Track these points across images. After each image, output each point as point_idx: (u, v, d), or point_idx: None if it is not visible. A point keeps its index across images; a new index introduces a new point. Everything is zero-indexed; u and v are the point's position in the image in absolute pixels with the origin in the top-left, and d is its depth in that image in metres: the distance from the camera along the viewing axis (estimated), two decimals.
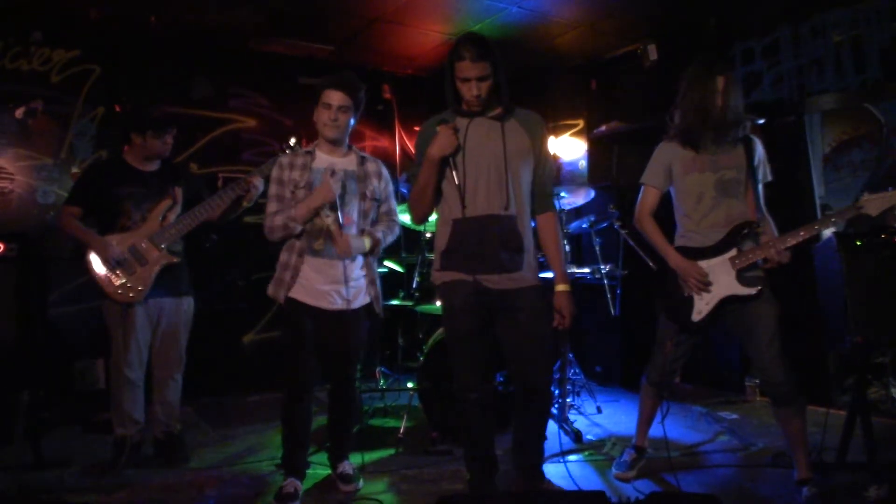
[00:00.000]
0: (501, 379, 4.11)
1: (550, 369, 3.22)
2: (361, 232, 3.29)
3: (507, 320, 2.89)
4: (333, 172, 3.22)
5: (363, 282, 3.34)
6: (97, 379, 5.04)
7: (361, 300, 3.33)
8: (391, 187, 3.46)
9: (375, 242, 3.29)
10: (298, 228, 3.20)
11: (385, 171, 3.45)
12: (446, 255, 2.92)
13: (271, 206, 3.25)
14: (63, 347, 4.91)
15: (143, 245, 3.68)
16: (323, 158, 3.30)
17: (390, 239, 3.42)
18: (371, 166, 3.38)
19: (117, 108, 5.33)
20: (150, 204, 3.74)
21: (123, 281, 3.62)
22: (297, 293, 3.22)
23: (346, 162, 3.32)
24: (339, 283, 3.22)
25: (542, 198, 3.00)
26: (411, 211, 3.03)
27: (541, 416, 3.06)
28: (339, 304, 3.23)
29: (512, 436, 3.15)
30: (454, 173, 2.81)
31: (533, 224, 3.02)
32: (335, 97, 3.16)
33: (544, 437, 3.11)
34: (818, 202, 4.98)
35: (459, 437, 3.76)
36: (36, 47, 5.06)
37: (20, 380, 4.10)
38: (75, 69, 5.23)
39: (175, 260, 3.74)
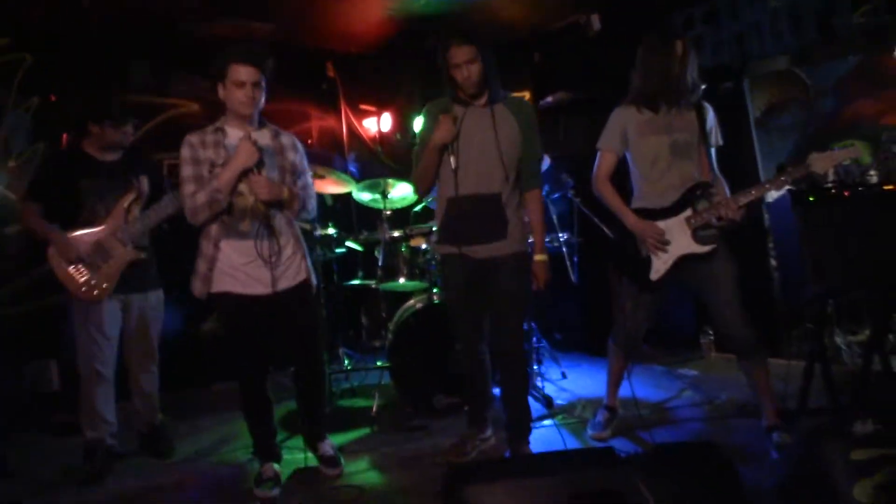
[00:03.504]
0: None
1: (521, 330, 3.35)
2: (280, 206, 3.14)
3: (489, 284, 3.22)
4: (250, 137, 3.03)
5: (296, 258, 3.21)
6: (50, 380, 4.85)
7: (297, 277, 3.21)
8: (306, 162, 3.31)
9: (293, 195, 3.12)
10: (225, 201, 2.99)
11: (300, 145, 3.30)
12: (441, 230, 3.32)
13: (188, 188, 3.02)
14: (12, 348, 4.71)
15: (107, 241, 3.54)
16: (235, 134, 3.08)
17: (307, 207, 3.25)
18: (286, 140, 3.23)
19: (53, 98, 5.11)
20: (113, 196, 3.59)
21: (87, 278, 3.50)
22: (225, 284, 3.07)
23: (260, 136, 3.12)
24: (268, 264, 3.06)
25: (529, 177, 3.29)
26: (415, 187, 3.41)
27: (519, 380, 3.37)
28: (273, 286, 3.09)
29: (501, 399, 3.45)
30: (451, 158, 3.14)
31: None
32: (247, 73, 2.96)
33: (525, 403, 3.40)
34: (760, 165, 5.15)
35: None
36: None
37: None
38: (6, 58, 4.97)
39: (141, 255, 3.62)
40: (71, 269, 3.49)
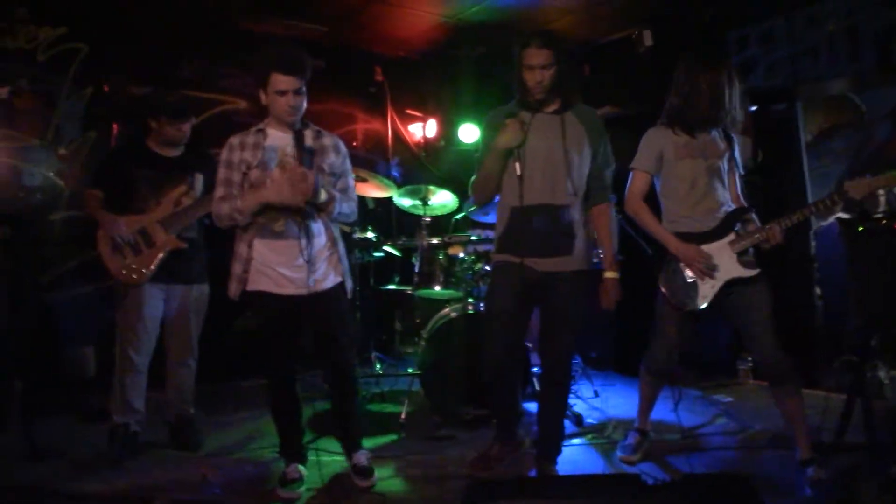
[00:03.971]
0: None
1: (571, 351, 3.31)
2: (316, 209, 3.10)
3: (545, 300, 3.15)
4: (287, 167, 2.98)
5: (332, 260, 3.17)
6: (88, 367, 4.93)
7: (332, 279, 3.17)
8: (348, 163, 3.27)
9: (331, 198, 3.06)
10: (245, 222, 3.02)
11: (343, 147, 3.25)
12: (502, 239, 3.19)
13: (218, 191, 3.06)
14: (53, 334, 4.80)
15: (152, 228, 3.64)
16: (276, 136, 3.08)
17: (345, 209, 3.18)
18: (328, 140, 3.19)
19: (106, 88, 5.21)
20: (166, 189, 3.70)
21: (128, 261, 3.59)
22: (259, 283, 3.06)
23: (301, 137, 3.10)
24: (303, 265, 3.02)
25: (598, 190, 3.20)
26: (475, 195, 3.35)
27: (560, 400, 3.32)
28: (308, 287, 3.05)
29: (536, 419, 3.39)
30: (517, 164, 3.03)
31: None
32: (288, 82, 2.94)
33: (560, 423, 3.37)
34: (809, 187, 5.04)
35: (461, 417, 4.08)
36: (21, 24, 4.91)
37: (13, 368, 3.99)
38: (62, 47, 5.08)
39: (183, 245, 3.69)
40: (115, 251, 3.60)
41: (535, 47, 2.95)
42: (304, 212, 3.02)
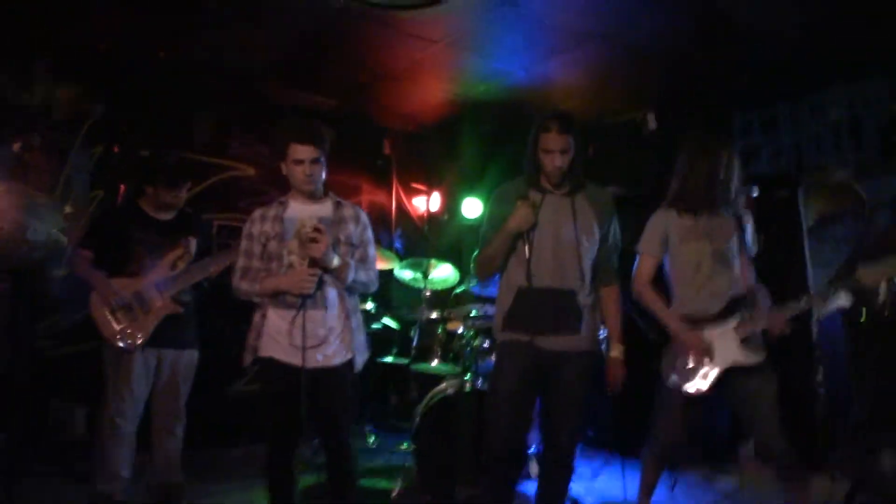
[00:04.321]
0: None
1: (577, 433, 3.22)
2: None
3: (553, 380, 3.04)
4: (314, 263, 2.98)
5: (344, 336, 3.14)
6: (76, 426, 4.83)
7: (342, 356, 3.13)
8: (369, 233, 3.27)
9: (344, 265, 3.04)
10: (261, 301, 3.10)
11: (363, 217, 3.27)
12: (508, 317, 3.09)
13: (239, 262, 3.14)
14: (44, 390, 4.73)
15: (148, 292, 3.60)
16: (295, 207, 3.14)
17: (361, 277, 3.15)
18: (348, 211, 3.22)
19: (116, 149, 5.27)
20: (162, 252, 3.68)
21: (124, 326, 3.54)
22: (269, 349, 3.06)
23: (319, 209, 3.16)
24: (317, 338, 3.01)
25: (606, 273, 3.18)
26: (478, 271, 3.32)
27: (560, 482, 3.19)
28: (316, 361, 3.02)
29: (536, 499, 3.26)
30: (525, 247, 3.00)
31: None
32: (305, 152, 3.02)
33: None
34: (810, 273, 5.03)
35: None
36: (39, 82, 5.01)
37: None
38: (77, 106, 5.16)
39: (179, 309, 3.66)
40: (109, 314, 3.54)
41: (556, 132, 2.94)
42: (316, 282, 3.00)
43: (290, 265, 3.04)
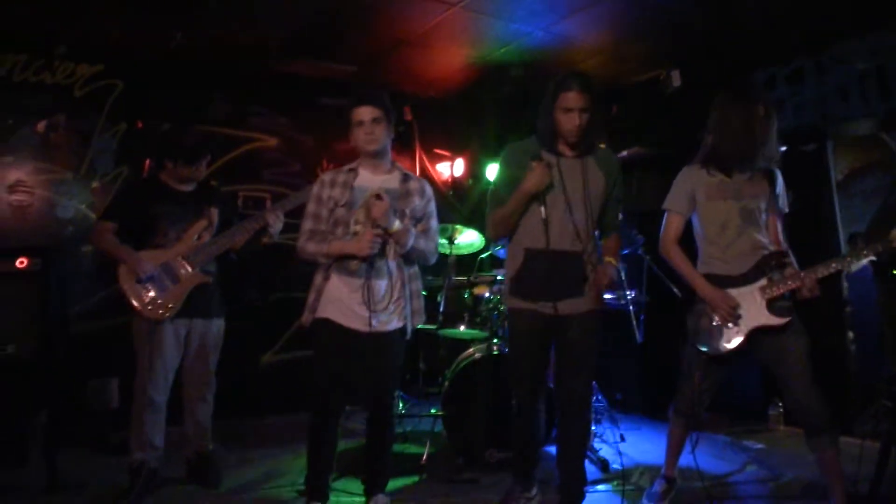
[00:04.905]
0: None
1: (590, 386, 3.28)
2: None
3: (560, 339, 3.15)
4: (377, 226, 3.07)
5: (399, 304, 3.22)
6: (111, 398, 4.94)
7: (395, 323, 3.22)
8: (433, 206, 3.35)
9: (404, 229, 3.13)
10: (326, 263, 3.17)
11: (429, 191, 3.35)
12: (515, 281, 3.19)
13: (306, 224, 3.21)
14: (79, 365, 4.84)
15: (176, 263, 3.64)
16: (365, 176, 3.23)
17: (422, 245, 3.24)
18: (414, 185, 3.29)
19: (139, 125, 5.32)
20: (186, 223, 3.72)
21: (153, 297, 3.58)
22: (328, 311, 3.15)
23: (388, 179, 3.25)
24: (373, 304, 3.10)
25: (610, 227, 3.29)
26: (492, 232, 3.34)
27: (582, 435, 3.28)
28: (372, 327, 3.11)
29: (557, 461, 3.32)
30: (542, 209, 3.02)
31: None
32: (365, 112, 3.12)
33: (582, 467, 3.28)
34: (840, 230, 4.96)
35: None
36: (60, 61, 5.05)
37: (38, 398, 4.01)
38: (98, 84, 5.22)
39: (208, 280, 3.71)
40: (138, 286, 3.58)
41: (576, 91, 2.94)
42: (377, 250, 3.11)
43: (356, 234, 3.12)
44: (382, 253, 3.12)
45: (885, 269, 3.39)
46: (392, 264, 3.19)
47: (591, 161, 3.12)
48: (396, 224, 3.08)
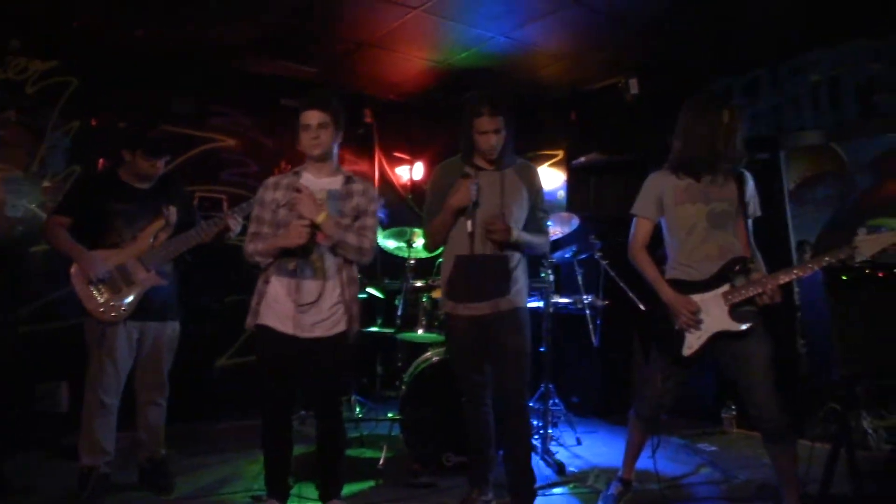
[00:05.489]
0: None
1: (523, 387, 3.34)
2: (335, 251, 3.17)
3: (492, 339, 3.28)
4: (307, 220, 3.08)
5: (339, 307, 3.20)
6: (60, 402, 4.83)
7: (336, 327, 3.19)
8: (374, 206, 3.32)
9: (332, 220, 3.10)
10: (264, 263, 3.19)
11: (372, 192, 3.34)
12: (448, 286, 3.38)
13: (251, 227, 3.24)
14: (26, 367, 4.71)
15: (130, 264, 3.57)
16: (308, 179, 3.23)
17: (352, 240, 3.15)
18: (357, 186, 3.28)
19: (94, 123, 5.20)
20: (142, 223, 3.64)
21: (106, 299, 3.51)
22: (267, 317, 3.14)
23: (331, 181, 3.25)
24: (312, 308, 3.11)
25: (533, 230, 3.41)
26: (429, 242, 3.51)
27: (522, 436, 3.35)
28: (312, 333, 3.12)
29: (503, 464, 3.40)
30: (468, 222, 3.20)
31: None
32: (312, 116, 3.13)
33: (528, 465, 3.36)
34: (792, 237, 5.07)
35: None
36: (12, 56, 4.92)
37: None
38: (52, 80, 5.08)
39: (163, 282, 3.64)
40: (91, 288, 3.51)
41: (488, 115, 3.15)
42: (313, 251, 3.13)
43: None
44: (315, 248, 3.12)
45: (836, 275, 3.44)
46: (331, 263, 3.16)
47: (511, 173, 3.32)
48: (322, 216, 3.07)
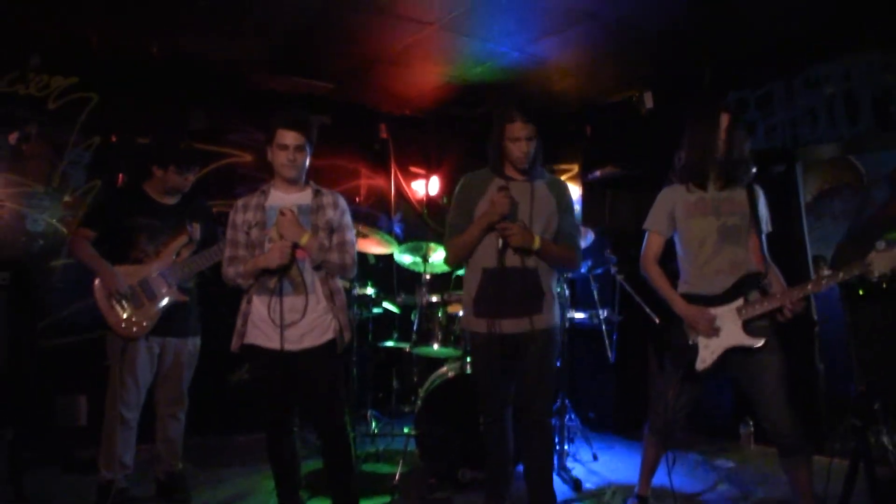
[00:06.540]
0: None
1: (549, 405, 3.35)
2: (316, 267, 3.16)
3: (523, 357, 3.18)
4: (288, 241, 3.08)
5: (326, 318, 3.18)
6: (79, 415, 4.87)
7: (322, 337, 3.17)
8: (347, 218, 3.30)
9: (314, 242, 3.09)
10: (246, 284, 3.17)
11: (342, 203, 3.32)
12: (475, 301, 3.23)
13: (227, 251, 3.24)
14: (46, 381, 4.75)
15: (153, 279, 3.61)
16: (276, 196, 3.22)
17: (334, 259, 3.16)
18: (327, 199, 3.26)
19: (113, 139, 5.26)
20: (166, 238, 3.69)
21: (129, 314, 3.54)
22: (254, 336, 3.15)
23: (299, 197, 3.23)
24: (295, 321, 3.09)
25: (562, 239, 3.30)
26: (451, 257, 3.39)
27: (545, 453, 3.31)
28: (301, 344, 3.11)
29: (525, 481, 3.33)
30: (499, 240, 3.09)
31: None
32: (290, 137, 3.09)
33: (549, 482, 3.32)
34: (809, 251, 5.03)
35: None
36: (34, 73, 4.99)
37: (4, 415, 3.94)
38: (73, 96, 5.15)
39: (184, 298, 3.67)
40: (114, 302, 3.54)
41: (521, 122, 3.11)
42: (293, 268, 3.11)
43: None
44: (295, 266, 3.11)
45: (853, 290, 3.43)
46: (313, 279, 3.16)
47: (541, 185, 3.26)
48: (305, 238, 3.06)
